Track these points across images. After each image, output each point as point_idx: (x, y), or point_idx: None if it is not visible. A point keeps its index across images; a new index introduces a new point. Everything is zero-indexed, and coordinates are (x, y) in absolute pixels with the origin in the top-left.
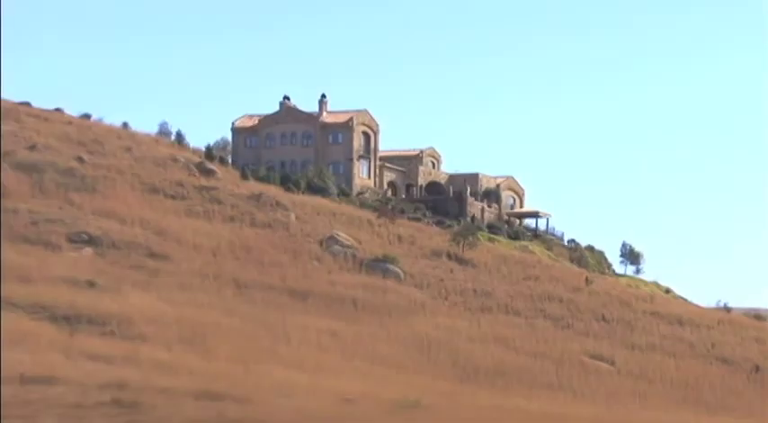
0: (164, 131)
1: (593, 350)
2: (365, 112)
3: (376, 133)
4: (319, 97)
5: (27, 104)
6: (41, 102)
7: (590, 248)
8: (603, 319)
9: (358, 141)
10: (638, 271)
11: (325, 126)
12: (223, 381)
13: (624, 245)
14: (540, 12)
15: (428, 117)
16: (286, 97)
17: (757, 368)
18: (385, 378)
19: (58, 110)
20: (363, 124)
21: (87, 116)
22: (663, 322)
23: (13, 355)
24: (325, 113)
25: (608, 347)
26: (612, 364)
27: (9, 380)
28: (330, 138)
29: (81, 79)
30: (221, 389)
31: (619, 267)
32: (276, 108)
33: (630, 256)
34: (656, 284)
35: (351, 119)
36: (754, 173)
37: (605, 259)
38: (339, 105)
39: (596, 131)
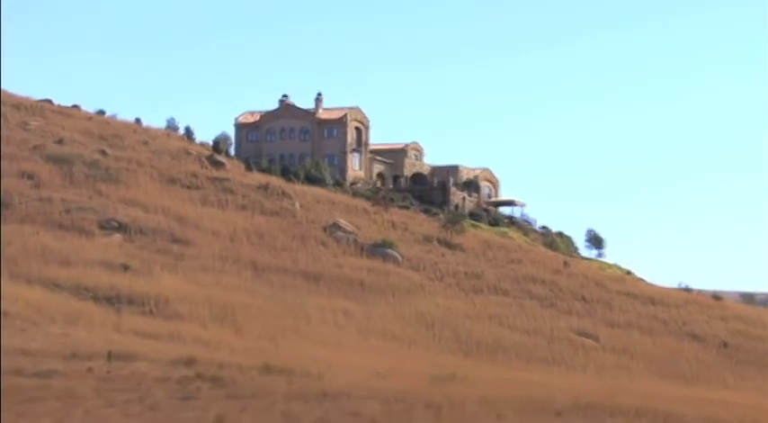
0: (171, 126)
1: (578, 328)
2: (357, 109)
3: (367, 128)
4: (315, 96)
5: (49, 101)
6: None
7: (559, 234)
8: (583, 299)
9: (351, 136)
10: (599, 255)
11: (321, 122)
12: (265, 356)
13: (589, 231)
14: (515, 15)
15: (412, 113)
16: (285, 96)
17: (725, 344)
18: (401, 353)
19: (75, 106)
20: (356, 120)
21: (102, 112)
22: (636, 302)
23: (74, 331)
24: (320, 110)
25: (590, 325)
26: (597, 340)
27: (98, 355)
28: (325, 133)
29: (88, 77)
30: (280, 364)
31: (584, 251)
32: (276, 105)
33: (594, 241)
34: (618, 267)
35: (344, 115)
36: (708, 165)
37: (573, 244)
38: (333, 103)
39: (564, 127)
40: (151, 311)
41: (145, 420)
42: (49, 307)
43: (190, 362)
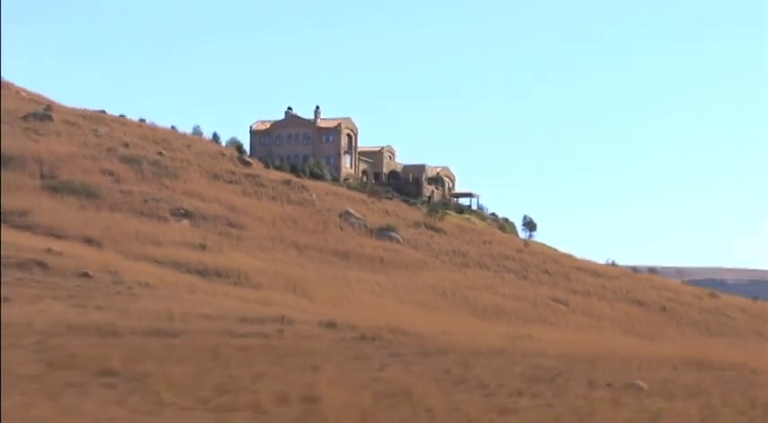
0: (197, 132)
1: (551, 295)
2: (348, 119)
3: (356, 135)
4: (315, 108)
5: (103, 112)
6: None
7: (505, 219)
8: (546, 272)
9: (344, 141)
10: (530, 236)
11: (320, 129)
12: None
13: (525, 217)
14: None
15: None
16: (290, 108)
17: (664, 308)
18: (440, 317)
19: (122, 115)
20: (347, 128)
21: (143, 120)
22: (586, 274)
23: (204, 299)
24: (319, 120)
25: (559, 293)
26: (567, 305)
27: (251, 319)
28: (323, 138)
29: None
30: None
31: (521, 234)
32: (282, 116)
33: (529, 224)
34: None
35: (339, 124)
36: (632, 153)
37: (515, 228)
38: (329, 114)
39: (505, 130)
40: (236, 283)
41: (395, 372)
42: (164, 279)
43: (331, 324)
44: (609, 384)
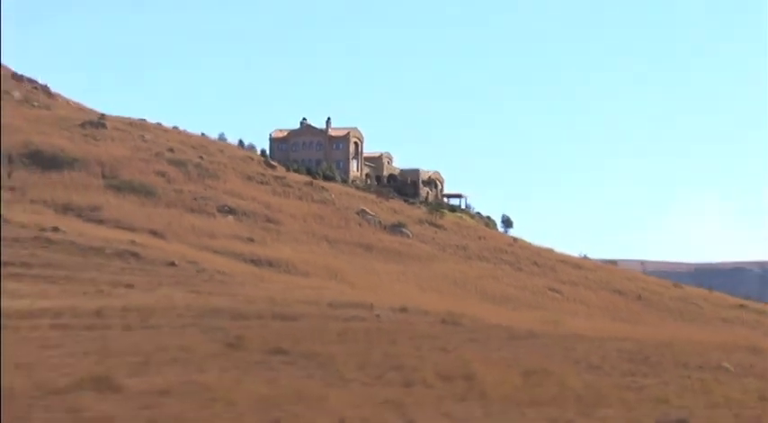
0: (222, 138)
1: (545, 284)
2: (356, 129)
3: (362, 142)
4: (326, 119)
5: (143, 120)
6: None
7: (488, 217)
8: (536, 264)
9: (351, 148)
10: (506, 231)
11: (331, 138)
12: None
13: (503, 215)
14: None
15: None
16: (304, 118)
17: (639, 296)
18: (463, 303)
19: (158, 124)
20: (354, 136)
21: (176, 127)
22: (569, 267)
23: (270, 285)
24: (330, 129)
25: (551, 283)
26: (561, 293)
27: (353, 304)
28: (334, 145)
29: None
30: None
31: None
32: (298, 126)
33: (506, 222)
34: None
35: (348, 133)
36: (600, 152)
37: (496, 225)
38: (339, 124)
39: (487, 133)
40: (287, 271)
41: (523, 353)
42: (233, 268)
43: (403, 310)
44: (700, 366)
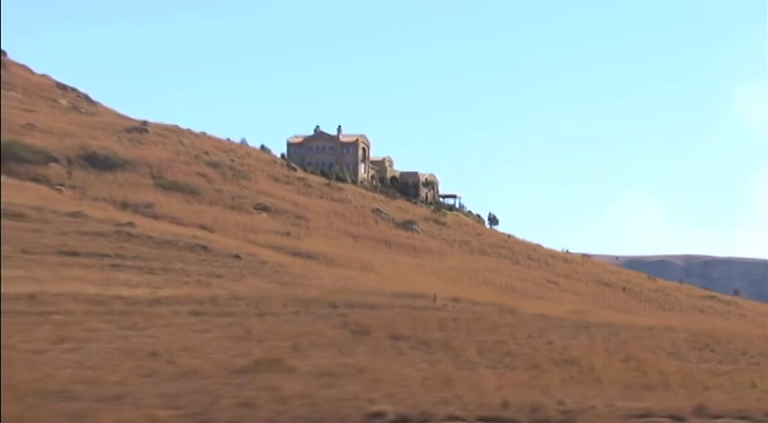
0: (243, 143)
1: (543, 277)
2: (363, 135)
3: (369, 147)
4: (337, 127)
5: (176, 126)
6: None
7: (478, 215)
8: (530, 258)
9: (360, 152)
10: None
11: (342, 143)
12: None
13: (490, 213)
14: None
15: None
16: (318, 126)
17: (624, 288)
18: (484, 292)
19: (189, 129)
20: (362, 142)
21: (204, 133)
22: (559, 261)
23: (326, 276)
24: (341, 136)
25: (548, 275)
26: (557, 284)
27: (411, 295)
28: (344, 150)
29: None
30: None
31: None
32: (312, 132)
33: (492, 220)
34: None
35: (357, 139)
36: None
37: (483, 222)
38: (348, 131)
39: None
40: (326, 263)
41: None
42: (283, 260)
43: (455, 299)
44: (760, 353)
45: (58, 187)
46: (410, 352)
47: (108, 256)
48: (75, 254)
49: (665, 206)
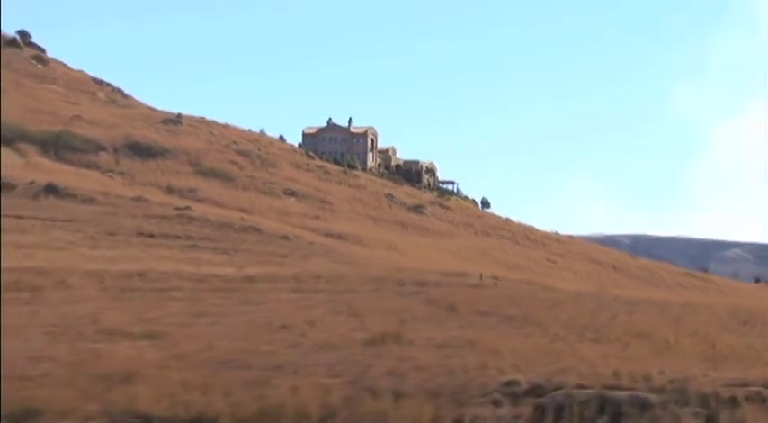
0: (262, 133)
1: (543, 256)
2: (372, 127)
3: (376, 138)
4: (348, 119)
5: (203, 118)
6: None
7: (473, 200)
8: (528, 238)
9: (369, 143)
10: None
11: (352, 134)
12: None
13: (483, 197)
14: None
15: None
16: (330, 118)
17: (614, 266)
18: (511, 271)
19: (213, 121)
20: (371, 133)
21: (228, 124)
22: (553, 241)
23: (369, 255)
24: (351, 127)
25: (546, 255)
26: (556, 263)
27: (452, 273)
28: (355, 140)
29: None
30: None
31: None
32: (325, 124)
33: (485, 203)
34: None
35: (366, 131)
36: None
37: (479, 206)
38: (358, 123)
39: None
40: (358, 243)
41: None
42: (321, 240)
43: (495, 277)
44: None
45: (109, 174)
46: (499, 326)
47: (179, 237)
48: (151, 235)
49: (611, 190)
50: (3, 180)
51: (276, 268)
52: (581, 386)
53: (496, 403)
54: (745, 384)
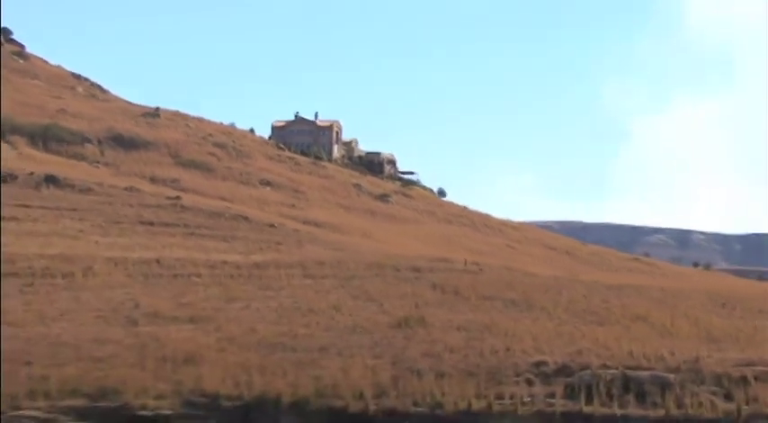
0: (231, 125)
1: (502, 242)
2: (337, 121)
3: (341, 131)
4: (315, 113)
5: (178, 111)
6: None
7: (430, 189)
8: (486, 226)
9: (334, 135)
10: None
11: (319, 127)
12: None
13: (440, 188)
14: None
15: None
16: (297, 112)
17: (567, 252)
18: (464, 256)
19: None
20: (336, 127)
21: (201, 117)
22: (509, 228)
23: (358, 242)
24: (318, 121)
25: (506, 241)
26: (515, 249)
27: (437, 259)
28: (321, 133)
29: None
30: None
31: None
32: (293, 118)
33: (441, 193)
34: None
35: (331, 124)
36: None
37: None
38: (324, 116)
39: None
40: (336, 231)
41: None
42: (304, 229)
43: (476, 264)
44: None
45: (96, 164)
46: (505, 310)
47: (177, 225)
48: (151, 223)
49: (541, 179)
50: (5, 172)
51: (277, 255)
52: (605, 366)
53: (529, 382)
54: (750, 364)
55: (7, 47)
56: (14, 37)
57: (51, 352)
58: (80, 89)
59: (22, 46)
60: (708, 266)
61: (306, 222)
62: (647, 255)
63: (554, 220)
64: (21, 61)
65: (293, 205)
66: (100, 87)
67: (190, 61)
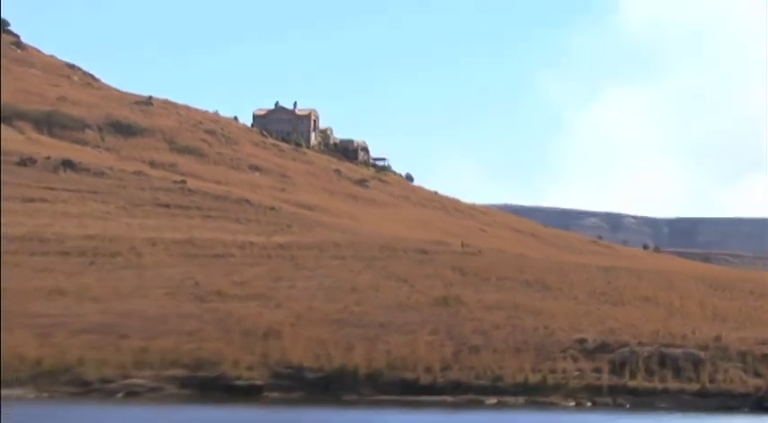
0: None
1: (474, 226)
2: (314, 110)
3: (318, 119)
4: (293, 102)
5: (168, 100)
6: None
7: (399, 174)
8: (457, 210)
9: (312, 123)
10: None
11: (298, 116)
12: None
13: (407, 173)
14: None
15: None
16: (277, 102)
17: (533, 234)
18: (445, 238)
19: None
20: (314, 116)
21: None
22: (480, 213)
23: (353, 224)
24: (296, 110)
25: (477, 224)
26: (486, 232)
27: (434, 242)
28: (299, 122)
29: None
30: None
31: None
32: (273, 106)
33: (408, 178)
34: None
35: (309, 113)
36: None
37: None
38: (303, 105)
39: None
40: (324, 213)
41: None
42: (301, 212)
43: (468, 245)
44: (762, 294)
45: (98, 149)
46: (527, 290)
47: (190, 207)
48: (167, 206)
49: (480, 163)
50: (23, 155)
51: (292, 237)
52: (641, 344)
53: (574, 358)
54: (765, 343)
55: (5, 37)
56: (11, 28)
57: (144, 326)
58: (75, 78)
59: (17, 36)
60: (657, 249)
61: (298, 205)
62: (599, 237)
63: (493, 204)
64: (18, 51)
65: (283, 189)
66: (93, 76)
67: (174, 50)
